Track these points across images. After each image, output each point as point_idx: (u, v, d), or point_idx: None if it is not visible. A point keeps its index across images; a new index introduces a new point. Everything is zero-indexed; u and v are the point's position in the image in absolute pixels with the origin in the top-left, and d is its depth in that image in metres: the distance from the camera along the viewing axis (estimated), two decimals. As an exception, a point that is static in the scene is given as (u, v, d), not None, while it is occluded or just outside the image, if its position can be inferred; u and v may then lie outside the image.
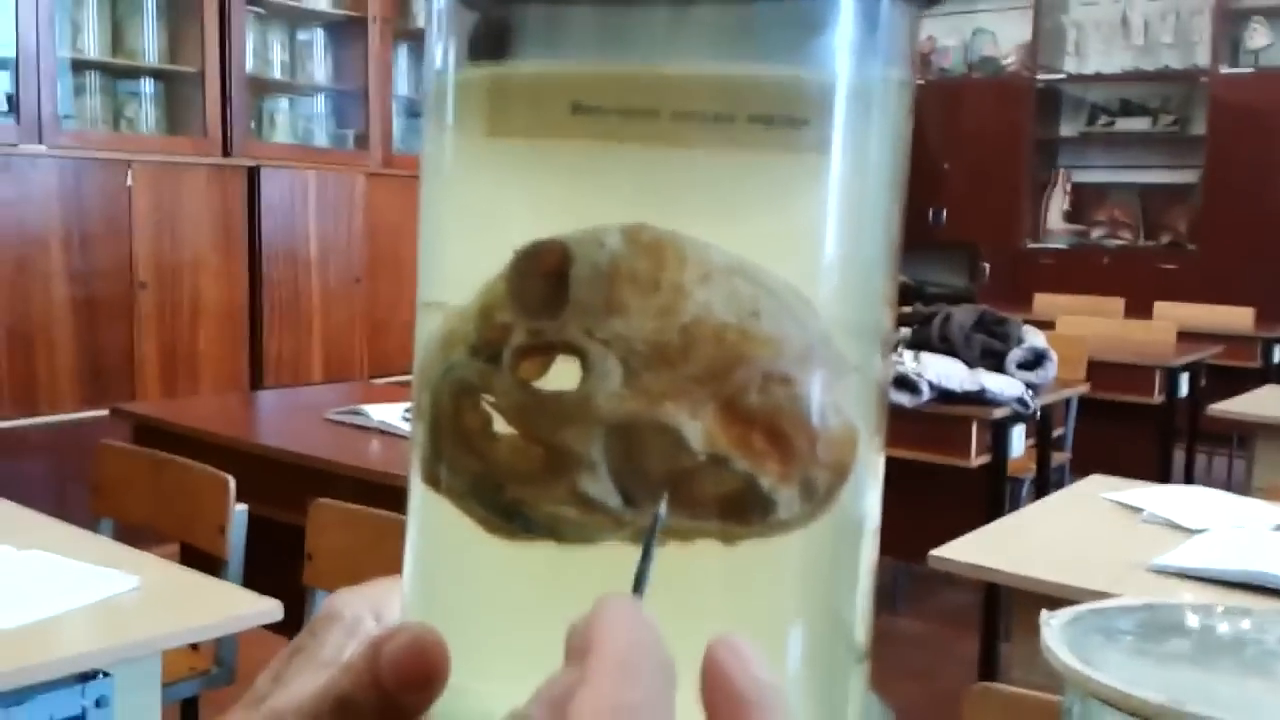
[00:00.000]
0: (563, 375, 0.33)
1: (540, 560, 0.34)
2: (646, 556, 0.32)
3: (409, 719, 0.34)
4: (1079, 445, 4.06)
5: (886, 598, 3.90)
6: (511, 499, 0.34)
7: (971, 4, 7.54)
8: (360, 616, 0.38)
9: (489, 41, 0.35)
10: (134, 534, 2.21)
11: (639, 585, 0.31)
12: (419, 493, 0.36)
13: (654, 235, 0.33)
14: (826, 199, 0.35)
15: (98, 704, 1.14)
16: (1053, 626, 0.46)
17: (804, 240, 0.35)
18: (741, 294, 0.33)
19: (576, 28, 0.35)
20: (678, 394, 0.33)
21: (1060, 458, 3.92)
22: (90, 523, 2.22)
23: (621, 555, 0.34)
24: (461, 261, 0.35)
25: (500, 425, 0.34)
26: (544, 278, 0.33)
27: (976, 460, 3.16)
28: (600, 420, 0.33)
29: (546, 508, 0.34)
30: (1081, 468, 2.36)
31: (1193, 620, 0.48)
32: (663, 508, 0.33)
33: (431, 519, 0.36)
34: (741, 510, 0.34)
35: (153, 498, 2.19)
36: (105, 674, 1.15)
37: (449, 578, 0.37)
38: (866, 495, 0.37)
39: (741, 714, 0.28)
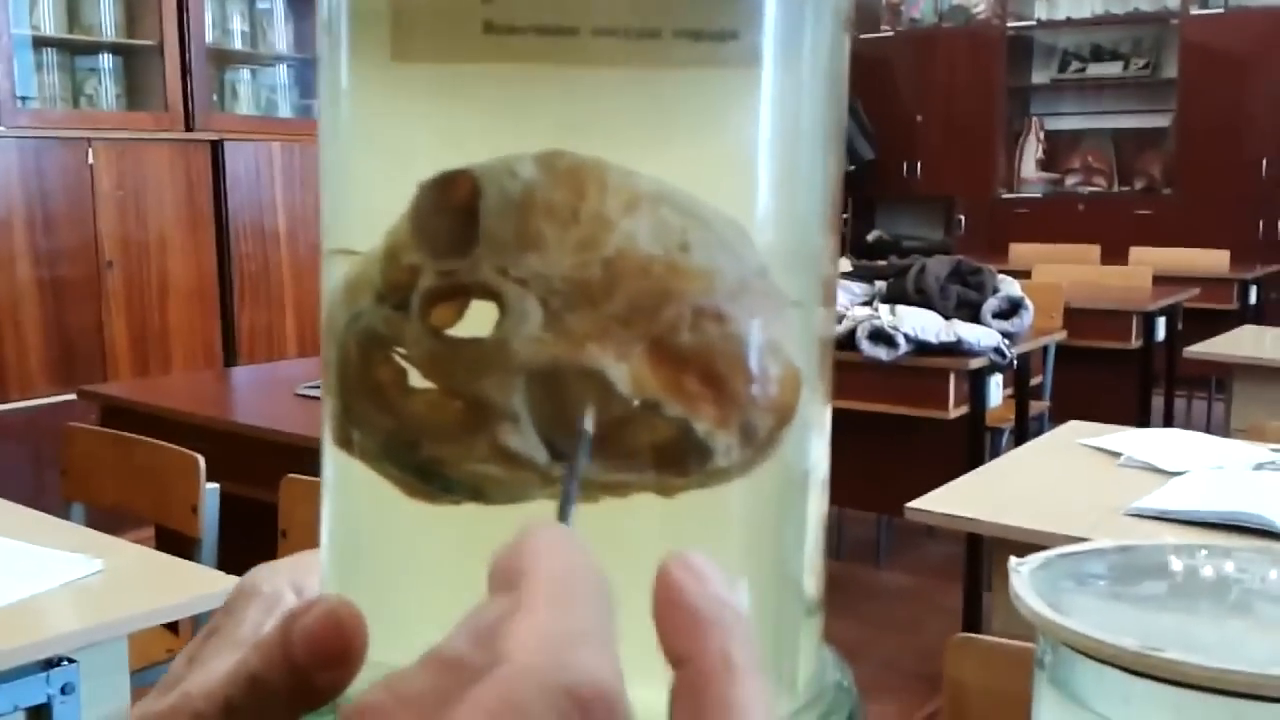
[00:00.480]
0: (478, 320, 0.30)
1: (463, 523, 0.32)
2: (568, 496, 0.29)
3: (325, 698, 0.31)
4: (1058, 393, 4.06)
5: (869, 552, 3.90)
6: (428, 458, 0.31)
7: (940, -47, 7.49)
8: (280, 592, 0.36)
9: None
10: (108, 518, 2.17)
11: (563, 519, 0.29)
12: (331, 456, 0.33)
13: (572, 162, 0.30)
14: (760, 118, 0.32)
15: (63, 691, 1.11)
16: (1021, 573, 0.43)
17: (737, 164, 0.32)
18: (669, 224, 0.30)
19: None
20: (603, 335, 0.30)
21: (1039, 406, 3.92)
22: (63, 508, 2.19)
23: (550, 514, 0.32)
24: (367, 203, 0.32)
25: (415, 379, 0.31)
26: (452, 213, 0.30)
27: (955, 411, 3.15)
28: (520, 367, 0.30)
29: (467, 465, 0.31)
30: (1061, 415, 2.36)
31: (1170, 562, 0.46)
32: (586, 433, 0.30)
33: (346, 484, 0.34)
34: (677, 459, 0.31)
35: (123, 480, 2.16)
36: (70, 660, 1.13)
37: (366, 546, 0.34)
38: (811, 442, 0.34)
39: (699, 635, 0.25)
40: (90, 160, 4.01)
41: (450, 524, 0.32)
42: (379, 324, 0.30)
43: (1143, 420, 4.14)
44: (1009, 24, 7.15)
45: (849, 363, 3.13)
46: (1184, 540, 0.45)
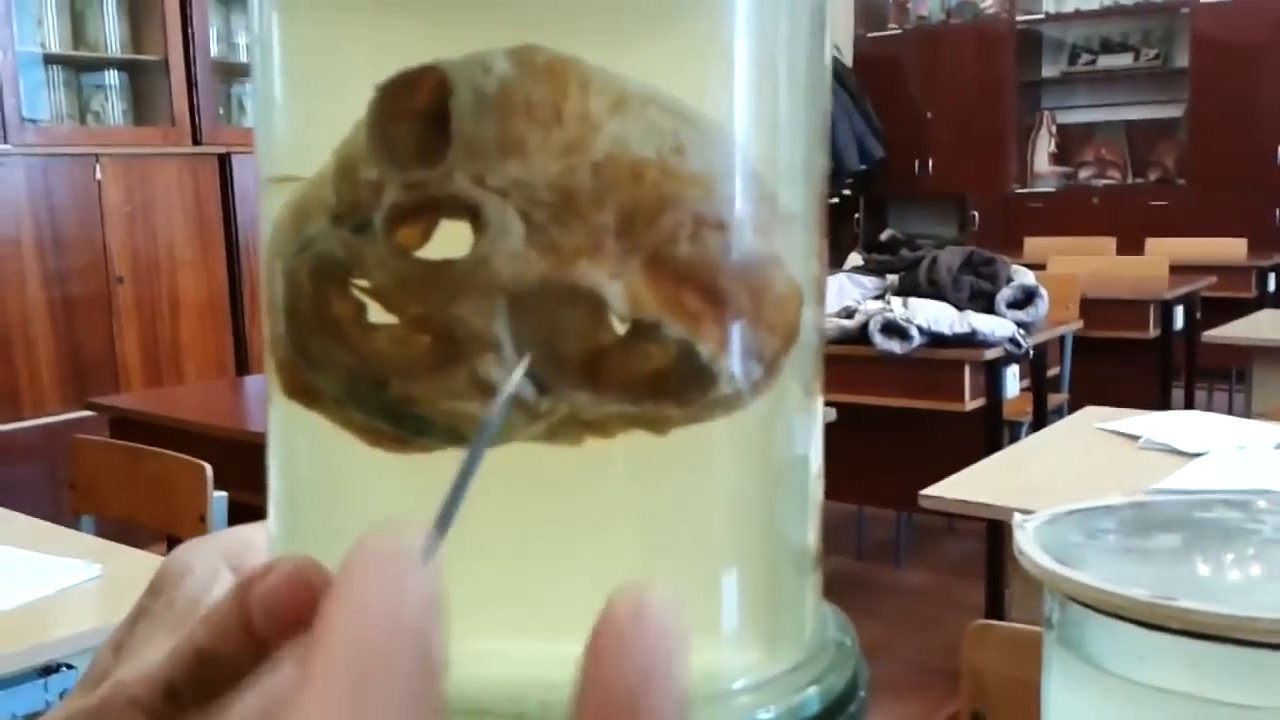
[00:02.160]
0: (450, 239, 0.27)
1: (434, 472, 0.29)
2: (454, 497, 0.24)
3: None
4: (1076, 384, 4.01)
5: (889, 551, 3.86)
6: (399, 396, 0.28)
7: (945, -50, 7.46)
8: (215, 568, 0.32)
9: None
10: (119, 533, 2.15)
11: (443, 523, 0.24)
12: (280, 411, 0.30)
13: (550, 57, 0.27)
14: (742, 11, 0.29)
15: (61, 697, 1.08)
16: (1026, 529, 0.40)
17: (713, 64, 0.29)
18: (660, 125, 0.27)
19: None
20: (594, 249, 0.27)
21: (1058, 398, 3.88)
22: (73, 522, 2.17)
23: (536, 456, 0.29)
24: (310, 123, 0.29)
25: (376, 313, 0.28)
26: (417, 117, 0.27)
27: (971, 403, 3.11)
28: (502, 289, 0.27)
29: (443, 403, 0.28)
30: (1079, 407, 2.32)
31: (1185, 515, 0.42)
32: (508, 387, 0.27)
33: (298, 440, 0.30)
34: (676, 387, 0.28)
35: (132, 491, 2.14)
36: (69, 666, 1.10)
37: (325, 509, 0.31)
38: (810, 376, 0.31)
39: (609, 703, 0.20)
40: (98, 176, 4.01)
41: (422, 474, 0.29)
42: (336, 248, 0.27)
43: (1164, 409, 4.09)
44: (1017, 18, 7.11)
45: (862, 357, 3.10)
46: (1204, 496, 0.42)
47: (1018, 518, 0.46)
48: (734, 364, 0.28)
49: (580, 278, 0.27)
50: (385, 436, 0.29)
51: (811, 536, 0.33)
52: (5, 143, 3.77)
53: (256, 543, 0.33)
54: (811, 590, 0.33)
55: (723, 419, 0.29)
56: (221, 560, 0.32)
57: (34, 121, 3.97)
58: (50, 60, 4.11)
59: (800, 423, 0.32)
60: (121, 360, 4.10)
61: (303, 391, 0.29)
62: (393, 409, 0.28)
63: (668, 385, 0.28)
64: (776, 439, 0.31)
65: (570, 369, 0.28)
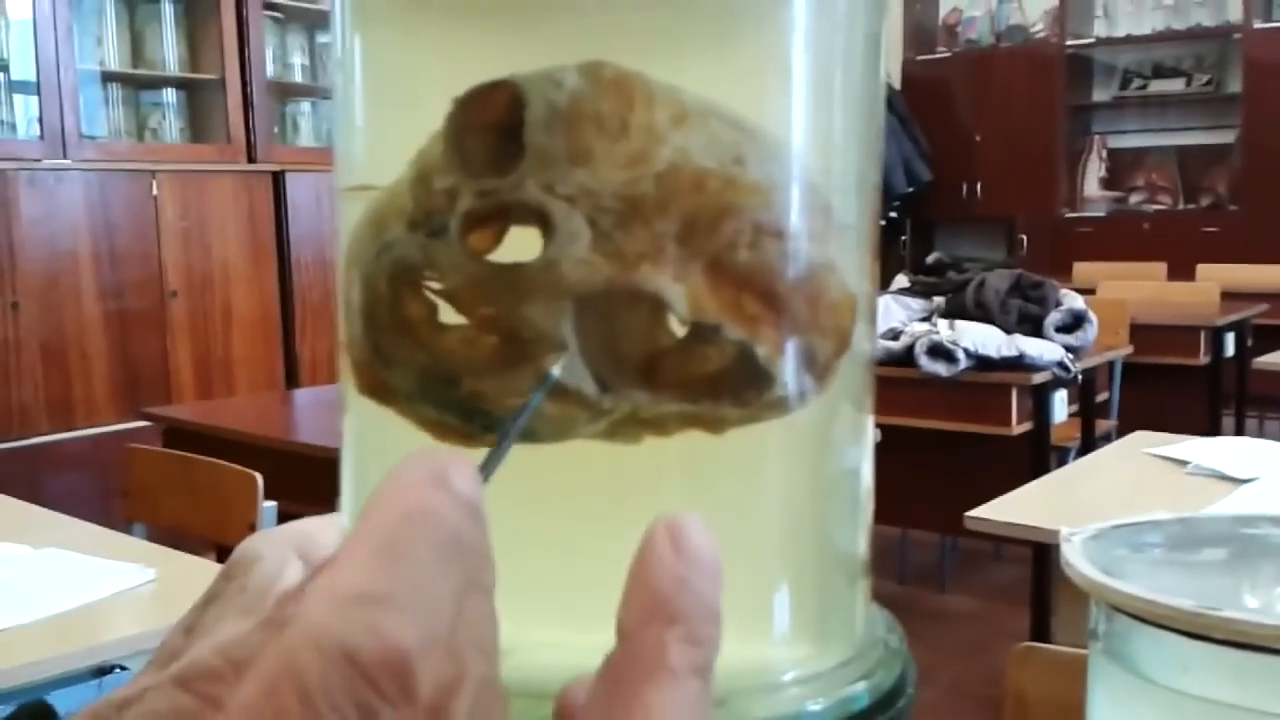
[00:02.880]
0: (520, 244, 0.29)
1: (506, 465, 0.30)
2: (500, 447, 0.26)
3: None
4: (1125, 410, 3.97)
5: (933, 576, 3.84)
6: (469, 393, 0.29)
7: (997, -27, 7.44)
8: (285, 557, 0.33)
9: None
10: (170, 541, 2.19)
11: (488, 466, 0.26)
12: (356, 407, 0.32)
13: (617, 72, 0.29)
14: (801, 31, 0.30)
15: (117, 699, 1.10)
16: (1073, 542, 0.41)
17: (771, 80, 0.30)
18: (721, 137, 0.29)
19: None
20: (657, 254, 0.28)
21: (1106, 424, 3.84)
22: (125, 529, 2.21)
23: (599, 452, 0.30)
24: (387, 135, 0.31)
25: (447, 314, 0.29)
26: (491, 128, 0.29)
27: (1018, 428, 3.09)
28: (569, 291, 0.28)
29: (511, 400, 0.29)
30: (1128, 433, 2.30)
31: (1231, 531, 0.43)
32: (551, 379, 0.28)
33: (373, 434, 0.32)
34: (735, 387, 0.29)
35: (183, 499, 2.17)
36: (122, 668, 1.13)
37: None
38: (864, 382, 0.32)
39: (645, 615, 0.23)
40: (155, 192, 4.08)
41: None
42: (413, 252, 0.29)
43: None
44: (1067, 43, 7.07)
45: (908, 379, 3.09)
46: (1250, 513, 0.43)
47: (1065, 531, 0.47)
48: (789, 367, 0.29)
49: (643, 281, 0.28)
50: (454, 431, 0.30)
51: (862, 544, 0.34)
52: (65, 158, 3.85)
53: (325, 535, 0.34)
54: (861, 591, 0.34)
55: (777, 421, 0.30)
56: (291, 550, 0.33)
57: (92, 138, 4.05)
58: (109, 78, 4.19)
59: (852, 435, 0.33)
60: (174, 372, 4.16)
61: (378, 389, 0.31)
62: (463, 405, 0.29)
63: (725, 386, 0.29)
64: (828, 446, 0.32)
65: (632, 369, 0.29)
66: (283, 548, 0.33)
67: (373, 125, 0.32)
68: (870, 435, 0.34)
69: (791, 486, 0.32)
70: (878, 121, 0.33)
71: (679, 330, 0.29)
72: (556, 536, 0.31)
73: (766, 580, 0.32)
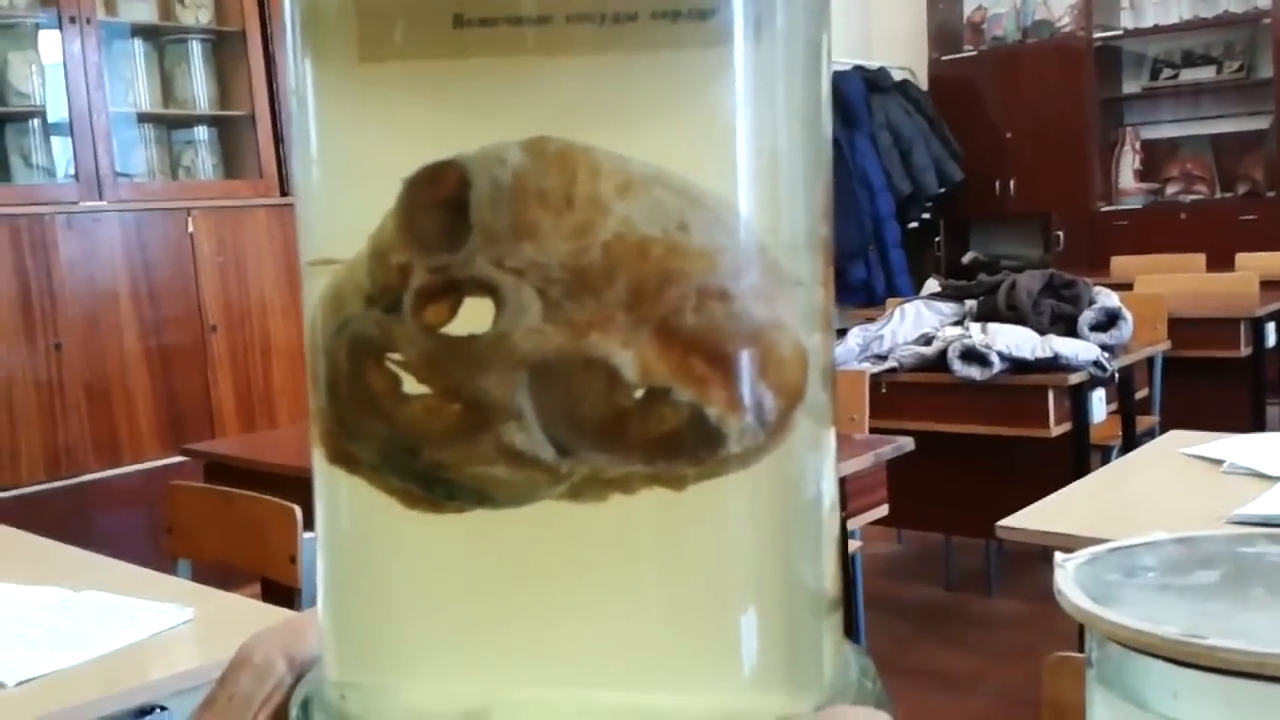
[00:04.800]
0: (473, 317, 0.29)
1: (469, 530, 0.31)
2: None
3: None
4: (1168, 406, 3.93)
5: (979, 580, 3.81)
6: (430, 463, 0.30)
7: (1019, -31, 7.40)
8: (271, 660, 0.35)
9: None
10: (216, 574, 2.22)
11: None
12: (324, 476, 0.33)
13: (560, 146, 0.29)
14: (745, 96, 0.31)
15: (157, 739, 1.14)
16: (1066, 568, 0.41)
17: (718, 144, 0.31)
18: (666, 205, 0.29)
19: None
20: (605, 322, 0.29)
21: (1149, 421, 3.80)
22: (170, 565, 2.24)
23: (558, 514, 0.31)
24: (345, 210, 0.32)
25: (411, 385, 0.30)
26: (441, 206, 0.30)
27: (1056, 429, 3.07)
28: (521, 361, 0.29)
29: (470, 469, 0.30)
30: (1172, 428, 2.27)
31: (1230, 552, 0.43)
32: None
33: (342, 503, 0.33)
34: (689, 447, 0.30)
35: (226, 534, 2.20)
36: (162, 708, 1.15)
37: (368, 565, 0.33)
38: (821, 430, 0.33)
39: None
40: (190, 229, 4.14)
41: (454, 533, 0.31)
42: (370, 328, 0.30)
43: (1258, 431, 3.99)
44: (1095, 35, 7.02)
45: (942, 384, 3.07)
46: (1249, 531, 0.42)
47: (1059, 557, 0.47)
48: (742, 424, 0.30)
49: (593, 348, 0.29)
50: (420, 500, 0.31)
51: (828, 578, 0.34)
52: (101, 199, 3.91)
53: (310, 633, 0.36)
54: (830, 632, 0.34)
55: (736, 474, 0.31)
56: (279, 652, 0.36)
57: (129, 177, 4.12)
58: (143, 119, 4.26)
59: (813, 478, 0.33)
60: (216, 406, 4.22)
61: (344, 459, 0.32)
62: (425, 474, 0.30)
63: (681, 445, 0.30)
64: (789, 487, 0.33)
65: (589, 432, 0.30)
66: (272, 649, 0.36)
67: (331, 201, 0.33)
68: (832, 453, 0.35)
69: (755, 533, 0.33)
70: (825, 175, 0.34)
71: (633, 393, 0.30)
72: (527, 597, 0.32)
73: (734, 631, 0.33)
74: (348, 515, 0.33)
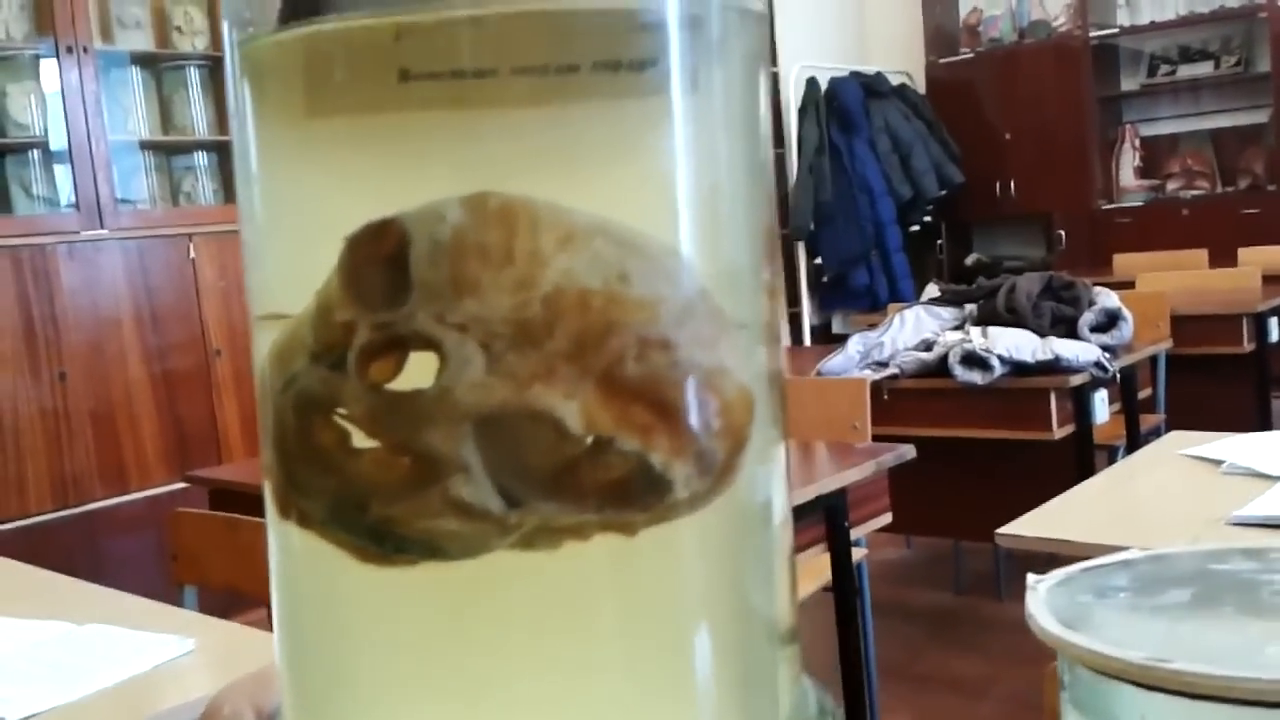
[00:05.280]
0: (419, 372, 0.30)
1: (421, 582, 0.31)
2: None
3: None
4: (1173, 405, 3.92)
5: (989, 584, 3.80)
6: (379, 518, 0.30)
7: (1013, -30, 7.41)
8: (239, 712, 0.37)
9: (297, 3, 0.31)
10: (221, 600, 2.22)
11: None
12: (276, 530, 0.33)
13: (501, 201, 0.30)
14: (684, 144, 0.31)
15: (161, 772, 1.13)
16: (1038, 590, 0.41)
17: (659, 191, 0.31)
18: (605, 256, 0.30)
19: None
20: (548, 374, 0.29)
21: (1154, 420, 3.79)
22: (176, 592, 2.24)
23: (510, 564, 0.31)
24: (291, 265, 0.32)
25: (358, 439, 0.30)
26: (382, 264, 0.30)
27: (1060, 432, 3.06)
28: (466, 415, 0.29)
29: (420, 522, 0.30)
30: (1177, 428, 2.27)
31: (1202, 568, 0.43)
32: None
33: (294, 556, 0.33)
34: (635, 495, 0.30)
35: (231, 561, 2.20)
36: (165, 741, 1.15)
37: (320, 618, 0.33)
38: (771, 469, 0.33)
39: None
40: (192, 255, 4.16)
41: (407, 586, 0.31)
42: (315, 385, 0.30)
43: (1264, 427, 3.98)
44: (1091, 34, 7.02)
45: (943, 389, 3.07)
46: (1222, 545, 0.43)
47: (1031, 579, 0.47)
48: (688, 470, 0.30)
49: (536, 400, 0.29)
50: (370, 554, 0.31)
51: (781, 611, 0.34)
52: (102, 228, 3.93)
53: (273, 683, 0.36)
54: (786, 664, 0.34)
55: (687, 518, 0.31)
56: (247, 703, 0.36)
57: (130, 204, 4.13)
58: (143, 146, 4.28)
59: (761, 499, 0.33)
60: (223, 431, 4.22)
61: (294, 513, 0.32)
62: (374, 529, 0.31)
63: (628, 493, 0.30)
64: (740, 526, 0.33)
65: (537, 483, 0.30)
66: (241, 700, 0.37)
67: (277, 255, 0.34)
68: (784, 494, 0.35)
69: (708, 576, 0.33)
70: (768, 217, 0.34)
71: (580, 443, 0.30)
72: (481, 645, 0.32)
73: (690, 670, 0.33)
74: (300, 568, 0.33)
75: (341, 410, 0.30)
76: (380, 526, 0.30)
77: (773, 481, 0.34)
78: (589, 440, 0.30)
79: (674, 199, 0.31)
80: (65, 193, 3.97)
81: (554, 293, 0.29)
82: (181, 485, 3.87)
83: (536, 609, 0.32)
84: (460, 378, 0.29)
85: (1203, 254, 5.75)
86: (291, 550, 0.33)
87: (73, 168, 3.89)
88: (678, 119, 0.32)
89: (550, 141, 0.31)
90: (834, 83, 6.86)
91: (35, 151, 3.94)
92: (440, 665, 0.32)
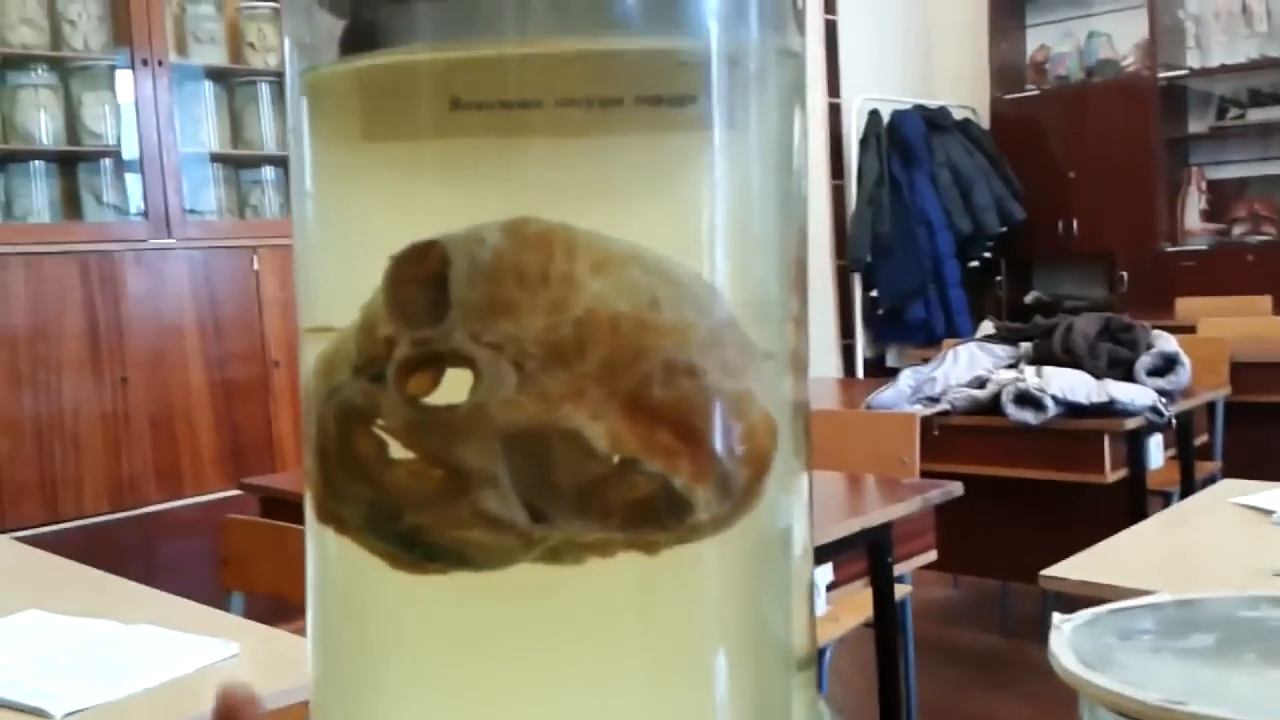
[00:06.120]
0: (455, 388, 0.31)
1: (450, 591, 0.32)
2: None
3: None
4: (1230, 452, 3.85)
5: (1037, 627, 3.74)
6: (411, 526, 0.32)
7: (1084, 8, 7.36)
8: (249, 700, 0.38)
9: (357, 35, 0.33)
10: (269, 607, 2.25)
11: None
12: (314, 534, 0.34)
13: (540, 227, 0.31)
14: (720, 177, 0.32)
15: (201, 772, 1.16)
16: (1063, 630, 0.42)
17: (695, 224, 0.32)
18: (638, 282, 0.31)
19: (448, 13, 0.33)
20: (577, 395, 0.31)
21: (1209, 467, 3.73)
22: (224, 597, 2.28)
23: (536, 577, 0.32)
24: (342, 280, 0.34)
25: (395, 449, 0.32)
26: (424, 283, 0.31)
27: (1112, 475, 3.02)
28: (497, 431, 0.31)
29: (449, 532, 0.31)
30: (1233, 476, 2.23)
31: (1230, 614, 0.43)
32: None
33: (330, 559, 0.34)
34: (657, 515, 0.31)
35: (279, 568, 2.23)
36: (205, 742, 1.16)
37: (353, 622, 0.34)
38: (793, 496, 0.34)
39: None
40: (256, 266, 4.22)
41: (434, 594, 0.32)
42: (356, 396, 0.31)
43: (1326, 477, 3.90)
44: (1160, 74, 6.95)
45: (995, 428, 3.04)
46: (1252, 593, 0.43)
47: (1056, 618, 0.48)
48: (709, 493, 0.31)
49: (564, 420, 0.30)
50: (403, 560, 0.32)
51: (799, 636, 0.35)
52: (170, 237, 4.01)
53: None
54: (801, 689, 0.35)
55: (709, 539, 0.32)
56: (252, 693, 0.38)
57: (197, 215, 4.22)
58: (212, 159, 4.37)
59: (783, 526, 0.34)
60: (278, 440, 4.28)
61: (332, 518, 0.33)
62: (406, 537, 0.32)
63: (651, 513, 0.31)
64: (760, 550, 0.34)
65: (563, 499, 0.31)
66: (248, 694, 0.38)
67: (327, 271, 0.35)
68: (806, 524, 0.35)
69: (727, 597, 0.34)
70: (799, 249, 0.35)
71: (606, 462, 0.31)
72: (506, 656, 0.33)
73: (707, 689, 0.34)
74: (335, 572, 0.35)
75: (380, 421, 0.32)
76: (412, 534, 0.32)
77: (794, 511, 0.34)
78: (614, 460, 0.31)
79: (707, 230, 0.33)
80: (135, 201, 4.06)
81: (586, 316, 0.30)
82: (235, 492, 3.93)
83: (559, 622, 0.33)
84: (493, 395, 0.30)
85: (1266, 300, 5.65)
86: (328, 554, 0.34)
87: (143, 177, 3.98)
88: (715, 154, 0.33)
89: (590, 171, 0.32)
90: (896, 115, 6.84)
91: (107, 160, 4.03)
92: (464, 672, 0.33)
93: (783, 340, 0.34)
